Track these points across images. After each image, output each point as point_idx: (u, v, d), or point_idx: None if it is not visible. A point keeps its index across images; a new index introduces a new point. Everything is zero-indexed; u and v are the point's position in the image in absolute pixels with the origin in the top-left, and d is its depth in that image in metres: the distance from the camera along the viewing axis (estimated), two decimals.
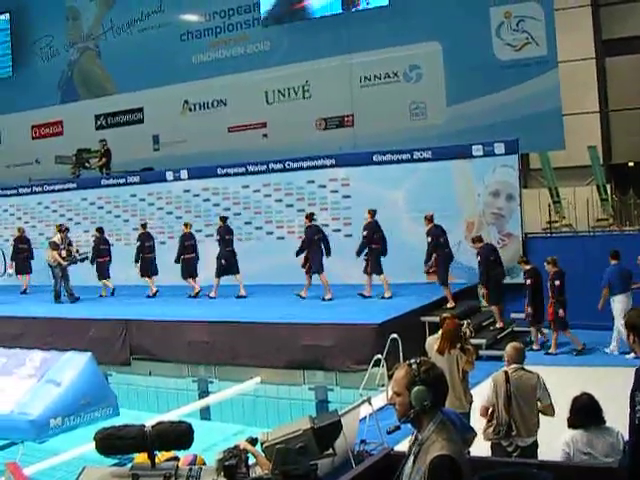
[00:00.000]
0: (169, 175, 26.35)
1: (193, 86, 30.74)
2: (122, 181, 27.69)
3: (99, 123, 33.88)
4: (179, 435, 6.04)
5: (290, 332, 16.81)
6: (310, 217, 21.21)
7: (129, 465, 6.12)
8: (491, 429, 9.11)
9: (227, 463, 5.84)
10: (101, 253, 24.47)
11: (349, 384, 15.10)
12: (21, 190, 30.41)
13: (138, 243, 23.81)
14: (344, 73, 27.28)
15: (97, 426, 7.36)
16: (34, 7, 35.45)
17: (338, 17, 27.33)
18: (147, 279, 23.62)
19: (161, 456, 6.56)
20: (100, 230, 25.05)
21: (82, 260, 23.92)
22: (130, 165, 29.54)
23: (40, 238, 27.14)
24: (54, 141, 35.16)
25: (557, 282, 17.62)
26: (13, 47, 36.59)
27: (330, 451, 7.37)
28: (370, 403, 9.89)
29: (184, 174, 26.00)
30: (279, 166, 24.33)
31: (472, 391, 10.73)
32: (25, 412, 14.10)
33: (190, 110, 31.28)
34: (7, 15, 36.68)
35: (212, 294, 22.13)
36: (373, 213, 20.19)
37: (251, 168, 24.80)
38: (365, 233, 19.99)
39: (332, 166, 23.48)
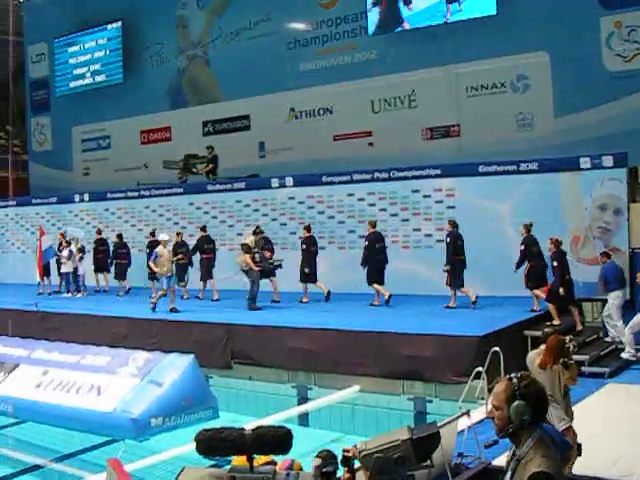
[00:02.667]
0: (274, 182, 26.53)
1: (299, 94, 30.96)
2: (228, 187, 27.99)
3: (206, 129, 34.35)
4: (278, 439, 6.08)
5: (391, 341, 16.73)
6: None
7: (227, 467, 6.19)
8: None
9: (325, 470, 5.86)
10: (119, 255, 27.29)
11: (448, 396, 14.98)
12: (129, 194, 31.04)
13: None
14: (450, 83, 27.16)
15: (196, 428, 7.45)
16: (145, 16, 36.22)
17: (445, 26, 27.22)
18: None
19: (259, 460, 6.60)
20: (120, 236, 27.58)
21: (275, 267, 22.77)
22: (236, 171, 29.85)
23: (145, 241, 27.48)
24: (162, 146, 35.79)
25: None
26: (124, 54, 37.46)
27: (428, 462, 7.33)
28: (469, 416, 9.82)
29: (289, 181, 26.16)
30: (384, 175, 24.30)
31: (574, 408, 10.58)
32: (127, 411, 14.30)
33: (296, 118, 31.48)
34: (119, 23, 37.62)
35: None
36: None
37: (356, 177, 24.82)
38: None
39: (437, 176, 23.36)
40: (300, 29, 31.71)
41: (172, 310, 21.78)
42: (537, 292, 19.19)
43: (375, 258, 21.28)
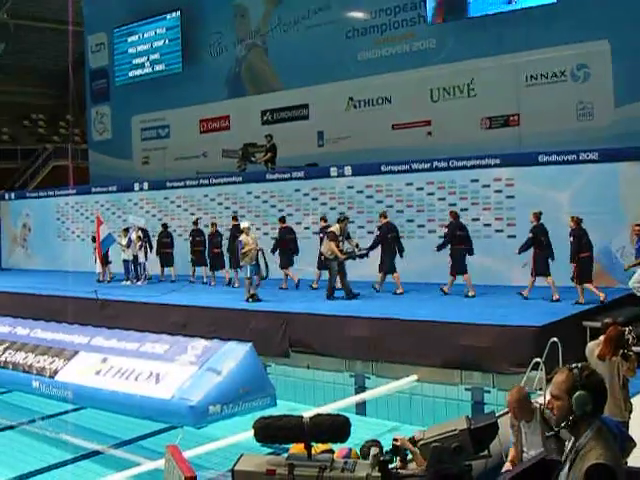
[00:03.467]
0: (333, 171, 26.54)
1: (358, 83, 30.93)
2: (287, 176, 28.07)
3: (265, 118, 34.44)
4: (337, 428, 6.11)
5: (449, 331, 16.68)
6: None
7: (285, 455, 6.23)
8: None
9: (382, 458, 5.88)
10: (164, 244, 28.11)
11: (506, 386, 14.90)
12: (188, 182, 31.24)
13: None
14: (509, 72, 26.94)
15: (254, 415, 7.48)
16: (204, 5, 36.54)
17: (504, 15, 26.97)
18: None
19: (317, 448, 6.64)
20: (165, 225, 28.10)
21: (361, 256, 21.81)
22: (294, 160, 29.92)
23: (206, 230, 27.55)
24: (221, 135, 36.01)
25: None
26: (183, 44, 37.68)
27: (485, 452, 7.32)
28: None
29: (348, 170, 26.13)
30: (443, 164, 24.16)
31: (632, 400, 10.49)
32: (185, 398, 14.42)
33: (355, 107, 31.45)
34: (178, 13, 37.83)
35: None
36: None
37: (415, 166, 24.74)
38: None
39: (497, 165, 23.19)
40: (359, 18, 31.67)
41: (252, 298, 21.61)
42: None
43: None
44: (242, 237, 22.07)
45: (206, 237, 27.05)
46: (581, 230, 19.02)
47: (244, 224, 22.83)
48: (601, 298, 18.64)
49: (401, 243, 22.19)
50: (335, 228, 21.69)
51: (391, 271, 22.02)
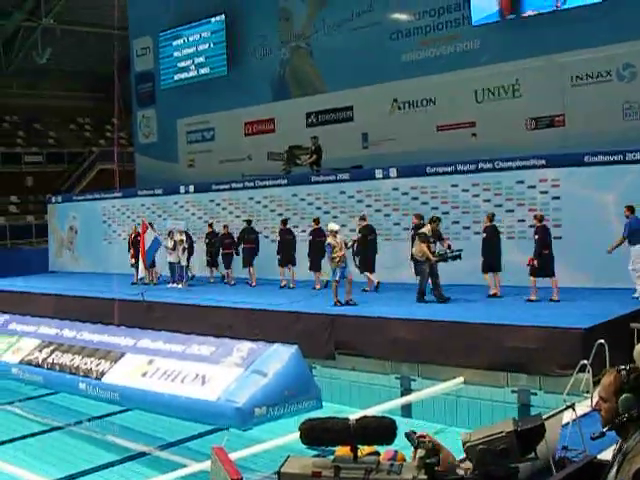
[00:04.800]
0: (378, 173, 26.50)
1: (402, 85, 30.88)
2: (332, 178, 28.05)
3: (310, 121, 34.50)
4: (383, 430, 6.12)
5: (494, 333, 16.63)
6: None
7: (331, 457, 6.25)
8: None
9: (428, 461, 5.88)
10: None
11: (552, 389, 14.85)
12: (234, 185, 31.34)
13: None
14: (554, 72, 26.77)
15: (300, 418, 7.49)
16: (248, 8, 36.66)
17: (549, 15, 26.82)
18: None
19: (362, 450, 6.64)
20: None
21: (454, 258, 20.95)
22: (339, 162, 29.88)
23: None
24: (266, 138, 36.11)
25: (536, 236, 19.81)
26: (228, 47, 37.84)
27: (532, 455, 7.29)
28: (574, 409, 9.73)
29: (393, 172, 26.09)
30: (489, 165, 24.05)
31: None
32: (231, 400, 14.45)
33: (399, 109, 31.42)
34: (222, 16, 37.99)
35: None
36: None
37: (460, 167, 24.61)
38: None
39: (542, 166, 23.02)
40: (403, 19, 31.65)
41: (348, 303, 20.83)
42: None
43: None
44: (330, 240, 21.40)
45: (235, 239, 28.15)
46: (544, 228, 20.12)
47: (332, 226, 21.88)
48: (553, 296, 19.72)
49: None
50: (426, 229, 21.04)
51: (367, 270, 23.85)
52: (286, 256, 26.10)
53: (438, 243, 21.29)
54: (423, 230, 21.07)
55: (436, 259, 20.68)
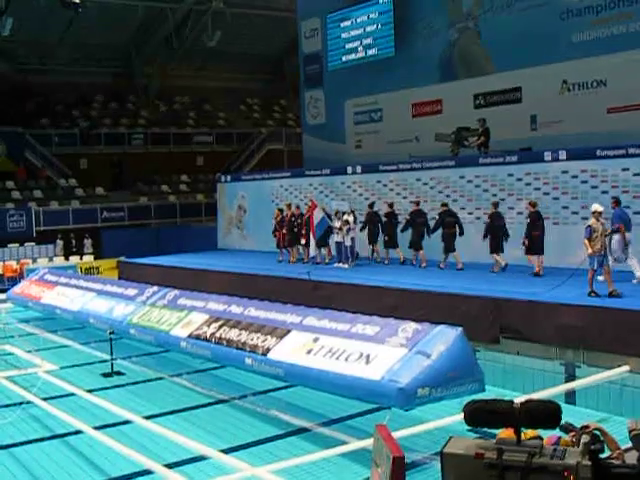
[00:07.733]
0: (547, 155, 26.05)
1: (572, 65, 30.21)
2: (500, 160, 27.78)
3: (477, 102, 34.17)
4: (548, 414, 6.15)
5: None
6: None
7: (492, 440, 6.30)
8: None
9: (593, 447, 5.89)
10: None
11: None
12: (401, 166, 31.43)
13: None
14: None
15: (462, 400, 7.55)
16: None
17: None
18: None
19: (525, 434, 6.66)
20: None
21: None
22: (507, 144, 29.64)
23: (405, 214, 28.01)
24: (433, 119, 36.01)
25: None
26: (396, 28, 37.76)
27: None
28: None
29: (562, 155, 25.59)
30: None
31: None
32: (395, 380, 14.45)
33: (569, 90, 30.78)
34: None
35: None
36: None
37: (632, 150, 23.86)
38: None
39: None
40: None
41: (612, 294, 18.76)
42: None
43: None
44: (592, 222, 19.11)
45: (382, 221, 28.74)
46: (537, 213, 23.65)
47: (595, 206, 19.43)
48: (536, 270, 23.25)
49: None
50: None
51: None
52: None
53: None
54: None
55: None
